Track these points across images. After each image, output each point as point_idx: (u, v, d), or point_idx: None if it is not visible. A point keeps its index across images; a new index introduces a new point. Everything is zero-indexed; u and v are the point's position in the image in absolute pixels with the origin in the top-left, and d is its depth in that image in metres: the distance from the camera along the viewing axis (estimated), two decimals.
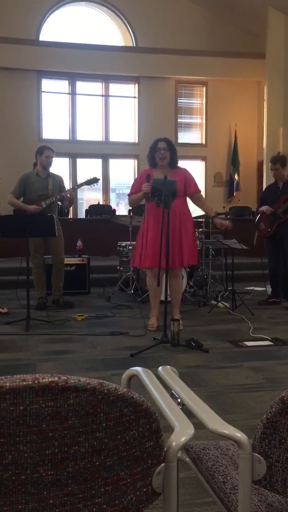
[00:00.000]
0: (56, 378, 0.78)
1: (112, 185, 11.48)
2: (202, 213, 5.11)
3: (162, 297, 4.38)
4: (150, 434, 0.87)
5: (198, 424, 1.03)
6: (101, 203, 10.69)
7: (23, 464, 0.78)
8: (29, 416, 0.77)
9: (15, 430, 0.77)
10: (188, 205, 4.55)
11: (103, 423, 0.82)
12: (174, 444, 0.90)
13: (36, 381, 0.77)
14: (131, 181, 11.25)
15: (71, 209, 9.87)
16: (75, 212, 10.90)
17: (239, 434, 0.97)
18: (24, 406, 0.76)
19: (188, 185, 4.41)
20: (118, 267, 6.54)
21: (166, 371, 1.33)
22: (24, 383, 0.76)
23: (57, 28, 10.57)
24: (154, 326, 4.43)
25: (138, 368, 1.31)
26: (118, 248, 6.52)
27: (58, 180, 5.43)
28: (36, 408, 0.77)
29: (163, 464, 0.90)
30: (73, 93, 10.83)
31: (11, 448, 0.77)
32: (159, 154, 4.37)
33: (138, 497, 0.88)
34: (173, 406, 1.05)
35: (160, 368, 1.34)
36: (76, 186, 5.60)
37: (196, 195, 4.55)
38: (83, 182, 5.41)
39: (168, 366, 1.37)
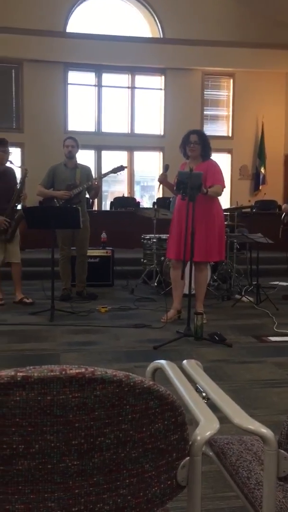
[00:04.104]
0: (83, 370, 0.78)
1: (136, 177, 11.48)
2: (227, 206, 5.07)
3: (186, 291, 4.37)
4: (175, 427, 0.87)
5: (222, 418, 1.03)
6: (125, 195, 10.71)
7: (49, 453, 0.79)
8: (56, 406, 0.78)
9: (42, 419, 0.78)
10: (218, 199, 4.50)
11: (129, 415, 0.82)
12: (199, 438, 0.90)
13: (63, 372, 0.77)
14: (155, 173, 11.30)
15: (96, 201, 9.93)
16: (100, 204, 10.95)
17: (264, 430, 0.96)
18: (52, 397, 0.77)
19: (207, 178, 4.31)
20: (142, 260, 6.54)
21: (191, 364, 1.32)
22: (52, 373, 0.77)
23: (84, 20, 10.56)
24: (166, 319, 4.40)
25: (163, 361, 1.31)
26: (142, 240, 6.52)
27: (86, 170, 5.47)
28: (63, 398, 0.78)
29: (187, 458, 0.90)
30: (99, 85, 10.84)
31: (38, 438, 0.78)
32: (189, 146, 4.37)
33: (162, 489, 0.88)
34: (198, 400, 1.04)
35: (184, 362, 1.34)
36: (102, 175, 5.62)
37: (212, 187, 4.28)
38: (110, 171, 5.44)
39: (192, 360, 1.36)
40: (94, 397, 0.79)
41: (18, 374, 0.76)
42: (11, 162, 5.16)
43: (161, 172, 4.53)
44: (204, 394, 1.14)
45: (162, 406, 0.84)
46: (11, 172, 5.19)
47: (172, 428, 0.86)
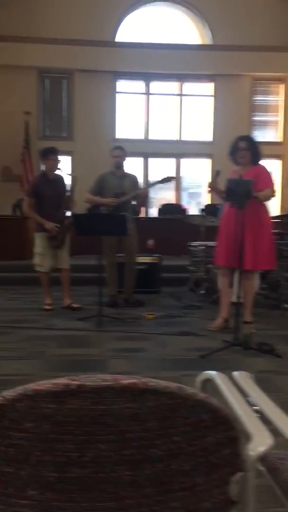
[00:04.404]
0: (136, 380, 0.78)
1: (183, 184, 11.47)
2: (277, 213, 4.97)
3: (234, 299, 4.32)
4: (228, 441, 0.85)
5: (273, 431, 1.00)
6: (173, 202, 10.70)
7: (102, 462, 0.80)
8: (109, 416, 0.78)
9: (95, 428, 0.78)
10: (267, 206, 4.42)
11: (181, 427, 0.81)
12: (252, 453, 0.88)
13: (116, 382, 0.77)
14: (203, 180, 11.24)
15: (143, 208, 9.99)
16: (147, 211, 10.99)
17: None
18: (104, 406, 0.77)
19: (257, 182, 4.22)
20: (189, 267, 6.51)
21: (242, 376, 1.30)
22: (105, 383, 0.77)
23: (134, 28, 10.69)
24: (213, 327, 4.38)
25: (213, 372, 1.29)
26: (190, 247, 6.50)
27: (133, 179, 5.51)
28: (115, 408, 0.78)
29: (240, 473, 0.88)
30: (148, 93, 10.92)
31: (91, 446, 0.79)
32: (238, 153, 4.31)
33: (214, 504, 0.86)
34: (250, 413, 1.02)
35: (235, 373, 1.32)
36: (150, 184, 5.64)
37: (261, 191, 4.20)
38: (158, 181, 5.44)
39: (243, 371, 1.34)
40: (147, 408, 0.79)
41: (72, 382, 0.77)
42: (59, 169, 5.27)
43: (210, 178, 4.50)
44: (256, 407, 1.11)
45: (215, 420, 0.83)
46: (60, 179, 5.30)
47: (225, 442, 0.85)
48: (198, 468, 0.84)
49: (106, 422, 0.78)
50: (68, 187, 5.31)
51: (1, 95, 10.07)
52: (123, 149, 5.49)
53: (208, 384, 1.32)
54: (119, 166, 5.41)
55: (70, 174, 5.65)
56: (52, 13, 10.06)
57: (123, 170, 5.47)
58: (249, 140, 4.41)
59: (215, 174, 4.42)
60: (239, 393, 1.15)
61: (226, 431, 0.85)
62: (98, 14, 10.19)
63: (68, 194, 5.20)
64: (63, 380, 0.77)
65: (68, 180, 5.43)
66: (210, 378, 1.27)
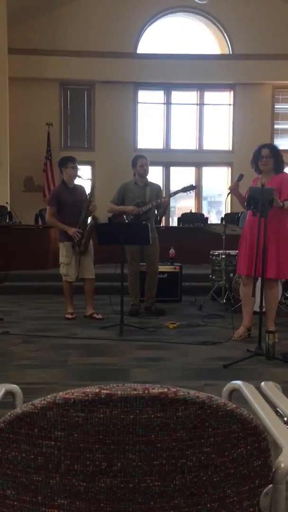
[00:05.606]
0: (165, 390, 0.78)
1: (204, 193, 11.45)
2: None
3: (256, 308, 4.28)
4: (259, 453, 0.84)
5: None
6: (193, 211, 10.69)
7: (131, 472, 0.79)
8: (139, 426, 0.78)
9: (125, 438, 0.78)
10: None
11: (211, 438, 0.80)
12: (283, 465, 0.86)
13: (146, 391, 0.77)
14: (223, 189, 11.21)
15: (163, 217, 10.00)
16: (167, 220, 11.00)
17: None
18: (134, 415, 0.77)
19: (282, 191, 4.21)
20: (210, 276, 6.48)
21: (269, 386, 1.28)
22: (135, 392, 0.77)
23: (155, 39, 10.78)
24: (237, 337, 4.35)
25: (239, 382, 1.28)
26: (211, 256, 6.46)
27: (155, 188, 5.51)
28: (145, 418, 0.77)
29: (271, 485, 0.86)
30: (168, 103, 10.97)
31: (120, 456, 0.78)
32: (261, 160, 4.28)
33: None
34: (280, 424, 1.01)
35: (263, 384, 1.30)
36: (172, 193, 5.63)
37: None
38: (180, 190, 5.43)
39: (271, 382, 1.32)
40: (176, 418, 0.78)
41: (102, 391, 0.77)
42: (79, 177, 5.30)
43: (230, 186, 4.46)
44: (285, 418, 1.10)
45: (245, 431, 0.82)
46: (81, 188, 5.32)
47: (255, 453, 0.84)
48: (228, 479, 0.83)
49: (135, 431, 0.78)
50: (87, 194, 5.30)
51: (24, 107, 10.23)
52: (146, 158, 5.51)
53: (234, 394, 1.30)
54: (145, 175, 5.43)
55: (88, 179, 5.63)
56: (74, 26, 10.22)
57: (146, 179, 5.48)
58: (272, 147, 4.39)
59: (238, 177, 4.37)
60: (266, 403, 1.14)
61: (257, 443, 0.84)
62: (119, 26, 10.31)
63: (87, 198, 5.20)
64: (92, 389, 0.78)
65: (88, 188, 5.44)
66: (237, 387, 1.26)
